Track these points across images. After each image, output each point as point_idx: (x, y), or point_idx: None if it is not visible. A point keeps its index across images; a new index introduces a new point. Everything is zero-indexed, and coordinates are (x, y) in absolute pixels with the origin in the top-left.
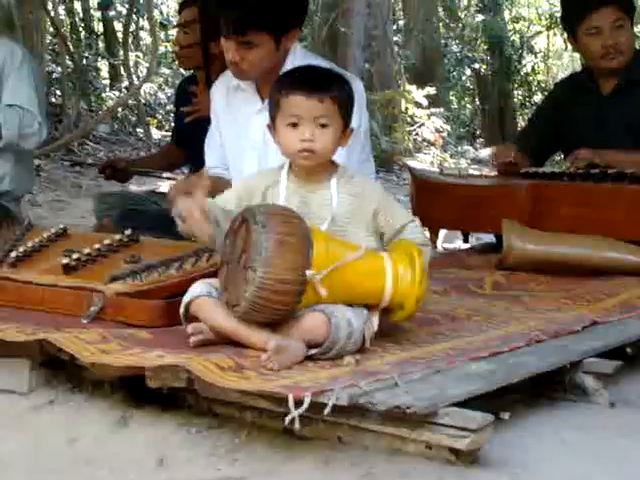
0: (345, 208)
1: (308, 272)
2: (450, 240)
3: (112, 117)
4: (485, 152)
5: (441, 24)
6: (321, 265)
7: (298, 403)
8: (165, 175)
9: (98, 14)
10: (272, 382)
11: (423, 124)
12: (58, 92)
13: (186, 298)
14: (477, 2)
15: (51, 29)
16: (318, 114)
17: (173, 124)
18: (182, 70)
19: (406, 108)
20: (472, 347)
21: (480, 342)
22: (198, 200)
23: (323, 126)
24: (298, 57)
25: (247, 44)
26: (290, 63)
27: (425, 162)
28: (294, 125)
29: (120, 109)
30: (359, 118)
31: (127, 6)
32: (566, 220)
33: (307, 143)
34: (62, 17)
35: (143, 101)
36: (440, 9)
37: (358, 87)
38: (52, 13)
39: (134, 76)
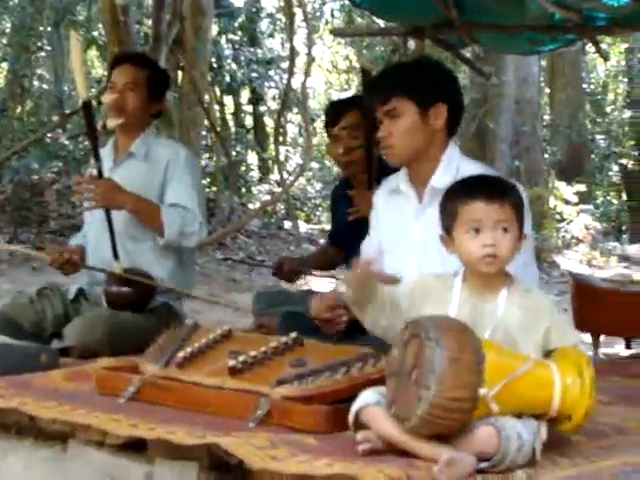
0: (514, 321)
1: (481, 390)
2: (609, 346)
3: (263, 212)
4: (632, 249)
5: (588, 119)
6: (492, 377)
7: None
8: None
9: (248, 108)
10: None
11: (572, 221)
12: (210, 186)
13: (356, 406)
14: (624, 97)
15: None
16: (499, 219)
17: (330, 226)
18: (327, 162)
19: (555, 205)
20: None
21: None
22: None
23: (505, 231)
24: (455, 158)
25: (392, 113)
26: (447, 160)
27: (574, 260)
28: (475, 231)
29: None
30: (528, 224)
31: (278, 101)
32: None
33: (490, 248)
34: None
35: (292, 195)
36: (587, 104)
37: (523, 193)
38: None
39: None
